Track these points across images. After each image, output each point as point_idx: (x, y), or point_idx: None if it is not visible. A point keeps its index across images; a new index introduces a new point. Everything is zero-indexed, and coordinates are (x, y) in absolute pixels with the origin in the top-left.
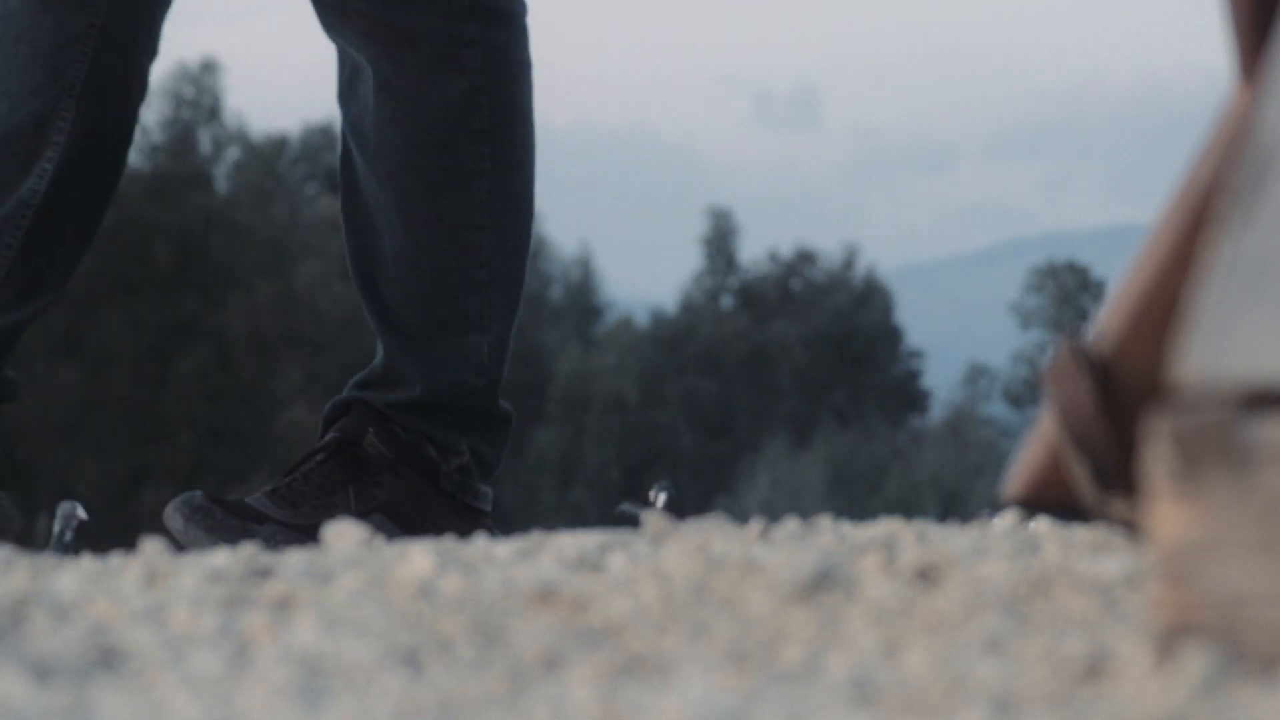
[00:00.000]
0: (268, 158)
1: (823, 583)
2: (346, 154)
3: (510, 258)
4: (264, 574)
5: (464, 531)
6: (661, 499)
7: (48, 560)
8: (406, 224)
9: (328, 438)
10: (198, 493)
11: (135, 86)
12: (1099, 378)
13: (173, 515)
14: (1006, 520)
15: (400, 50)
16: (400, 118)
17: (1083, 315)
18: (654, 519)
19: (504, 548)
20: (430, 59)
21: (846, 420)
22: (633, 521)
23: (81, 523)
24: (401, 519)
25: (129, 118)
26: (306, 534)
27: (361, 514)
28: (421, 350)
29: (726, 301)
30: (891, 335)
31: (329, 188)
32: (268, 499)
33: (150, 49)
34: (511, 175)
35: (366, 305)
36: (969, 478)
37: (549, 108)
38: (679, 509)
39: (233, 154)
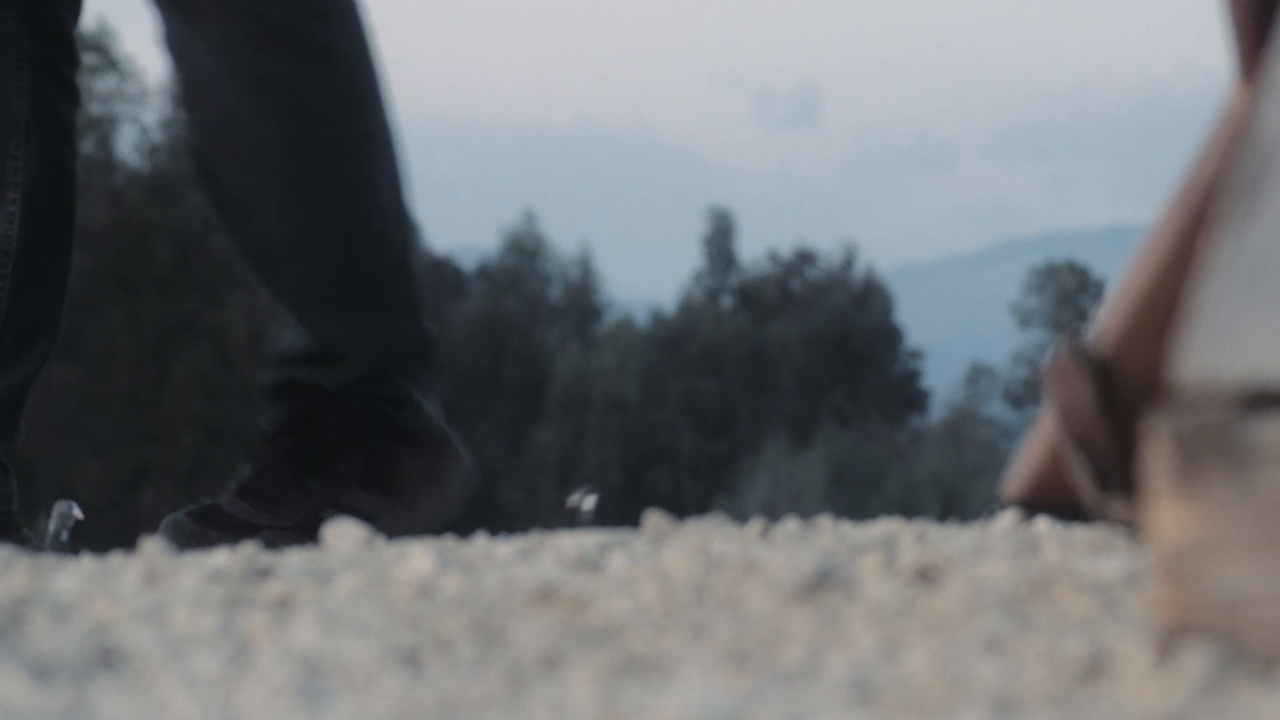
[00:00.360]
0: None
1: (823, 583)
2: (205, 159)
3: (401, 195)
4: (264, 574)
5: (437, 467)
6: (589, 502)
7: (47, 560)
8: (305, 206)
9: (279, 421)
10: (180, 516)
11: (69, 102)
12: (1099, 378)
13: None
14: (1006, 520)
15: (269, 43)
16: (282, 109)
17: (1083, 315)
18: (654, 518)
19: (504, 548)
20: (300, 44)
21: (846, 420)
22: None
23: (78, 522)
24: (377, 486)
25: (71, 133)
26: (302, 532)
27: (337, 494)
28: (354, 320)
29: (726, 301)
30: (891, 335)
31: None
32: (244, 502)
33: (73, 61)
34: (388, 121)
35: (279, 296)
36: (969, 478)
37: (549, 107)
38: (605, 514)
39: None
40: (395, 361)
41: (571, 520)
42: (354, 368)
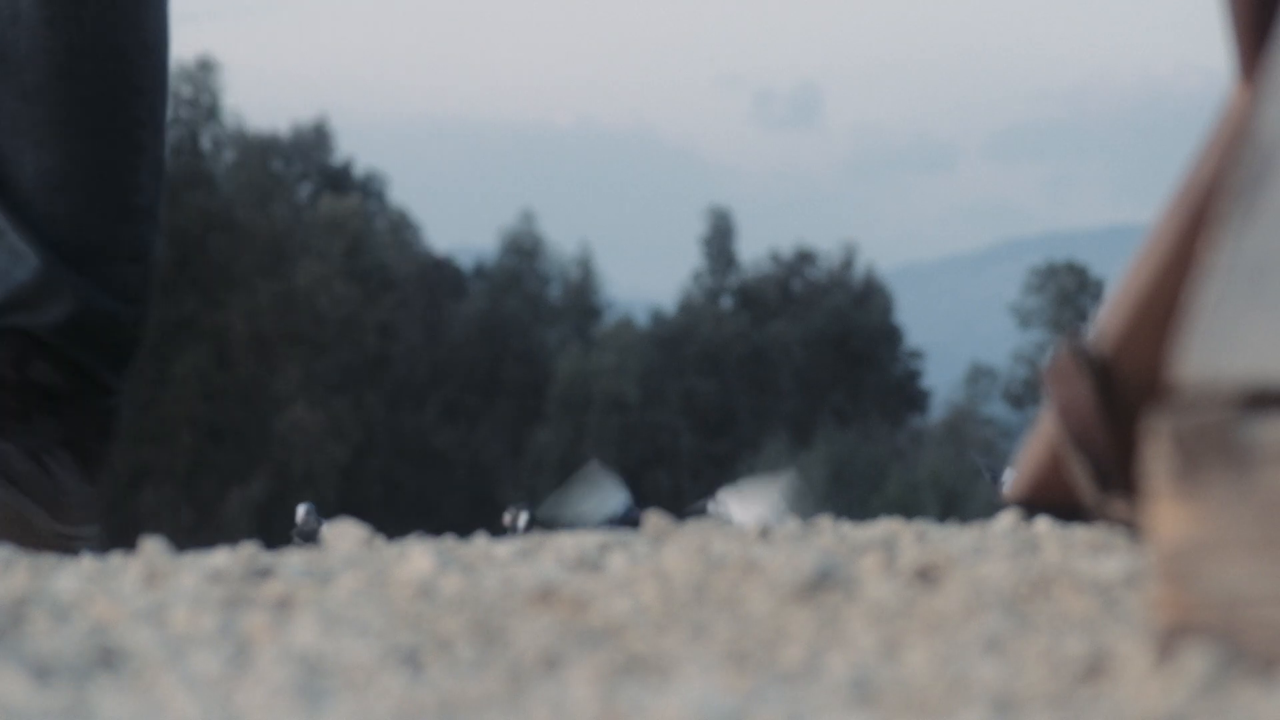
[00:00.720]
0: (265, 156)
1: (823, 583)
2: None
3: (158, 186)
4: (264, 574)
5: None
6: (522, 519)
7: (47, 560)
8: (62, 138)
9: None
10: None
11: None
12: (1099, 378)
13: None
14: (1006, 520)
15: None
16: (64, 19)
17: (1083, 315)
18: (654, 518)
19: (504, 548)
20: None
21: (846, 420)
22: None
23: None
24: (82, 453)
25: None
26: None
27: (40, 449)
28: (75, 271)
29: (726, 301)
30: (891, 335)
31: (326, 187)
32: None
33: None
34: (164, 95)
35: (8, 223)
36: (969, 478)
37: (549, 107)
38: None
39: (231, 154)
40: (104, 335)
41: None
42: (62, 311)
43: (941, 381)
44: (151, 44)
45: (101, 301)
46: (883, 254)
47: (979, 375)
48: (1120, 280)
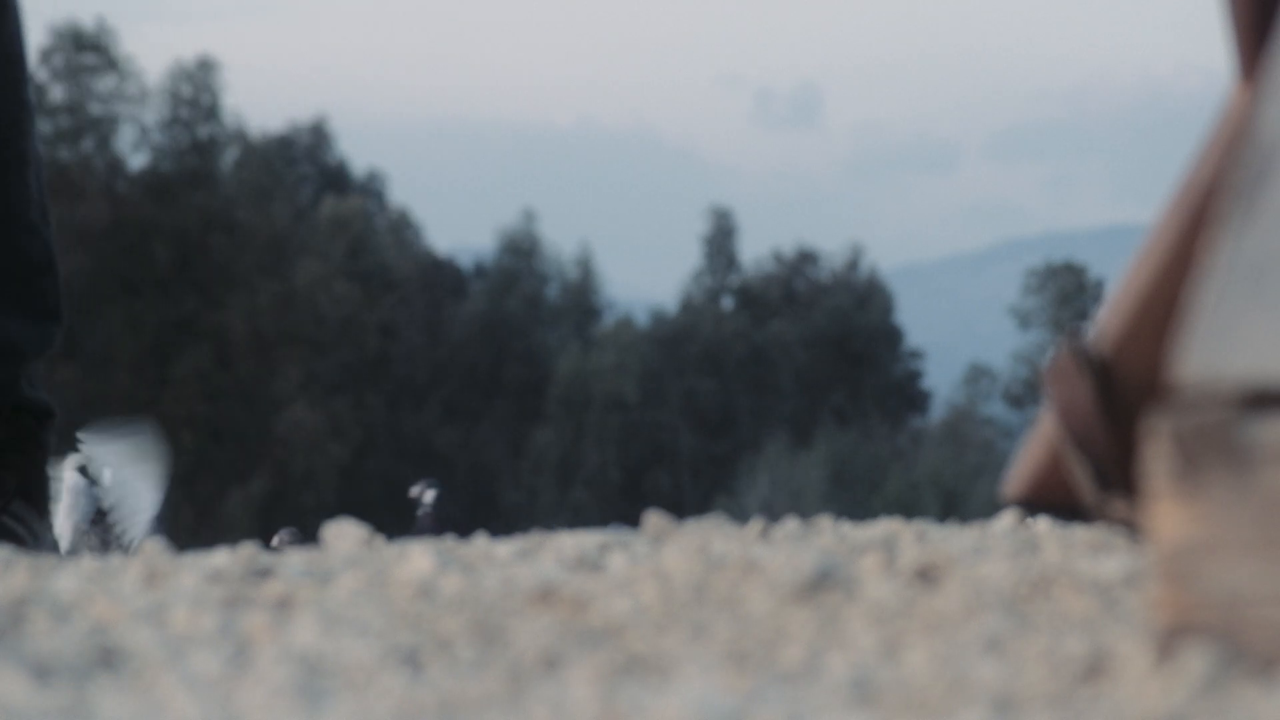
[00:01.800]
0: (266, 156)
1: (823, 583)
2: None
3: (46, 194)
4: (264, 574)
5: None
6: (429, 495)
7: (47, 560)
8: None
9: None
10: None
11: None
12: (1099, 378)
13: None
14: (1006, 520)
15: None
16: None
17: (1083, 315)
18: (654, 518)
19: (504, 548)
20: None
21: (846, 420)
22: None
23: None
24: (35, 500)
25: None
26: None
27: (3, 509)
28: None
29: (726, 301)
30: (891, 335)
31: (326, 187)
32: None
33: None
34: (33, 105)
35: None
36: (969, 478)
37: (549, 107)
38: (448, 511)
39: (231, 153)
40: (35, 363)
41: (412, 509)
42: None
43: (941, 382)
44: (15, 55)
45: (30, 334)
46: (883, 254)
47: (979, 375)
48: (1120, 280)
